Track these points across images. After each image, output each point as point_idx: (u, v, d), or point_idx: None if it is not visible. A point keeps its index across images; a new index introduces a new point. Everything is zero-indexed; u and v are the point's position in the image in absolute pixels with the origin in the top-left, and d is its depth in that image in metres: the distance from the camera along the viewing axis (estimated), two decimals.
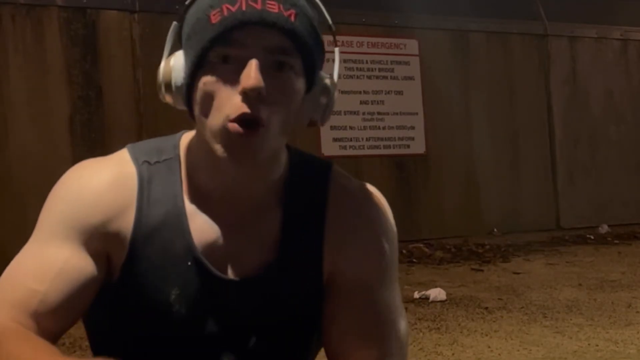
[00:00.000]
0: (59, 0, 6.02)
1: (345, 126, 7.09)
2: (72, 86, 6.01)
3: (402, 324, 1.19)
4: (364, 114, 7.23)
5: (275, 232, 1.16)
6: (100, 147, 5.90)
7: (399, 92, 7.41)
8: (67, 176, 1.17)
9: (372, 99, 7.29)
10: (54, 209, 1.14)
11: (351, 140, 7.14)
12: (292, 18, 1.05)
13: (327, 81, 1.15)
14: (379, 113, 7.29)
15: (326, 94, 1.14)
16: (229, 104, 1.04)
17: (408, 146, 7.42)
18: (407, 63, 7.45)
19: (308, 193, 1.18)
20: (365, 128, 7.22)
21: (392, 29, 7.38)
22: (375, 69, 7.30)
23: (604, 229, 7.90)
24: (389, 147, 7.32)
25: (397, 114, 7.38)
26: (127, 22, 6.24)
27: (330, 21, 1.15)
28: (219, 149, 1.06)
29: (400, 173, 7.34)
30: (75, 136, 5.97)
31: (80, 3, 6.08)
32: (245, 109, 1.03)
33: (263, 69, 1.03)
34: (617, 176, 8.41)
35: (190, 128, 1.22)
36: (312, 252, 1.17)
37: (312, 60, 1.10)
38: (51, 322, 1.08)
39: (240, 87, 1.03)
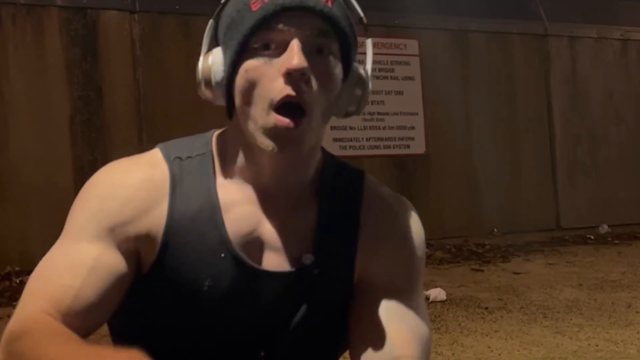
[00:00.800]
0: (59, 0, 6.02)
1: (345, 126, 7.09)
2: (72, 86, 6.00)
3: (427, 331, 1.20)
4: (364, 114, 7.21)
5: (310, 228, 1.17)
6: (101, 147, 5.90)
7: (399, 92, 7.41)
8: (98, 175, 1.18)
9: (372, 99, 7.26)
10: (85, 207, 1.15)
11: (351, 140, 7.14)
12: (329, 3, 1.07)
13: (362, 72, 1.16)
14: (379, 113, 7.29)
15: (361, 85, 1.16)
16: (273, 87, 1.05)
17: (408, 146, 7.42)
18: (407, 63, 7.45)
19: (343, 194, 1.20)
20: (365, 128, 7.22)
21: (393, 29, 7.38)
22: (375, 69, 7.22)
23: (604, 229, 7.90)
24: (389, 147, 7.32)
25: (397, 114, 7.38)
26: (127, 22, 6.24)
27: (361, 13, 1.17)
28: (264, 141, 1.07)
29: (400, 173, 7.34)
30: (75, 136, 5.97)
31: (80, 3, 6.08)
32: (289, 90, 1.04)
33: (305, 52, 1.04)
34: (617, 176, 8.41)
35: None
36: (345, 253, 1.18)
37: (349, 47, 1.11)
38: (83, 318, 1.08)
39: (283, 68, 1.04)
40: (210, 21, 1.15)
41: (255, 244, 1.15)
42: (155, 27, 6.29)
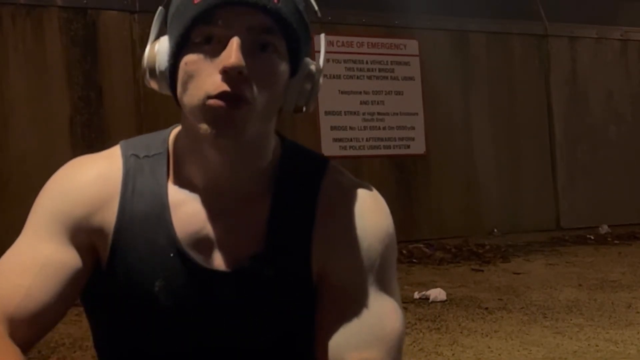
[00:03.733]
0: (59, 0, 6.02)
1: (346, 126, 7.09)
2: (72, 86, 6.00)
3: (395, 328, 1.14)
4: (364, 114, 7.22)
5: (262, 223, 1.13)
6: (101, 147, 5.82)
7: (399, 93, 7.41)
8: (56, 174, 1.19)
9: (372, 99, 7.29)
10: (41, 205, 1.16)
11: (351, 140, 7.14)
12: (276, 0, 1.04)
13: (313, 67, 1.13)
14: (379, 113, 7.29)
15: (310, 80, 1.12)
16: (209, 82, 1.03)
17: (408, 146, 7.42)
18: (407, 63, 7.45)
19: (300, 186, 1.16)
20: (365, 128, 7.22)
21: (392, 29, 7.38)
22: (375, 69, 7.30)
23: (604, 229, 7.90)
24: (389, 147, 7.32)
25: (397, 114, 7.38)
26: (127, 22, 6.24)
27: (316, 7, 1.13)
28: (202, 125, 1.05)
29: (400, 173, 7.34)
30: (76, 136, 5.97)
31: (80, 3, 6.08)
32: (225, 87, 1.02)
33: (246, 49, 1.02)
34: (617, 176, 8.41)
35: None
36: (300, 246, 1.13)
37: (297, 43, 1.08)
38: (37, 315, 1.08)
39: (220, 66, 1.02)
40: (160, 8, 1.13)
41: (205, 243, 1.12)
42: None
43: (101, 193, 1.14)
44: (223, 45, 1.03)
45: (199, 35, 1.04)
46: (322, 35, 1.17)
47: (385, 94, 7.34)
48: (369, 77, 7.27)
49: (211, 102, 1.03)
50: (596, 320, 3.86)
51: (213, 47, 1.04)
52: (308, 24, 1.10)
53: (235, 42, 1.02)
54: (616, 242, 7.25)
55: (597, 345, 3.35)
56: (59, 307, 1.10)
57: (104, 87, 6.11)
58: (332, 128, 6.98)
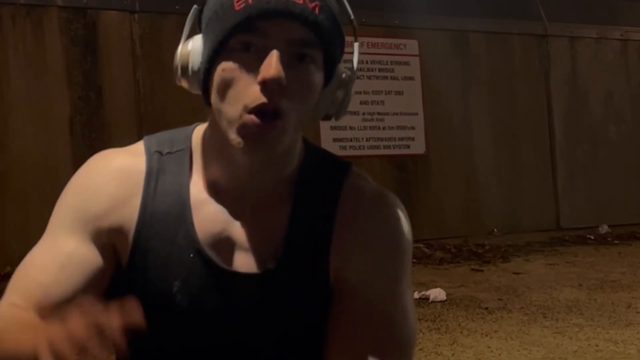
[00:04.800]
0: (59, 0, 6.02)
1: (345, 126, 7.09)
2: (72, 86, 6.01)
3: (408, 333, 1.14)
4: (364, 114, 7.23)
5: (283, 227, 1.13)
6: (100, 147, 5.82)
7: (399, 93, 7.41)
8: (80, 169, 1.19)
9: (372, 99, 7.29)
10: (63, 201, 1.16)
11: (351, 140, 7.14)
12: (317, 11, 1.03)
13: (345, 76, 1.13)
14: (379, 113, 7.29)
15: (343, 88, 1.13)
16: (248, 93, 1.02)
17: (408, 146, 7.42)
18: (407, 63, 7.45)
19: (320, 191, 1.16)
20: (365, 128, 7.22)
21: (392, 29, 7.38)
22: (375, 69, 7.30)
23: (604, 229, 7.90)
24: (389, 147, 7.32)
25: (397, 114, 7.38)
26: (127, 22, 6.24)
27: (352, 15, 1.13)
28: (235, 138, 1.04)
29: (400, 173, 7.34)
30: (75, 136, 5.97)
31: (80, 3, 6.08)
32: (263, 99, 1.02)
33: (284, 61, 1.01)
34: (617, 177, 8.41)
35: (193, 121, 1.21)
36: (318, 251, 1.14)
37: (333, 54, 1.08)
38: (55, 313, 1.06)
39: (260, 77, 1.01)
40: (194, 7, 1.13)
41: (225, 244, 1.12)
42: (155, 27, 6.29)
43: (123, 189, 1.13)
44: (261, 54, 1.02)
45: (238, 42, 1.04)
46: (356, 45, 1.16)
47: (385, 94, 7.34)
48: (369, 77, 7.27)
49: (248, 118, 1.03)
50: (596, 320, 3.86)
51: (251, 56, 1.03)
52: (342, 31, 1.09)
53: (275, 54, 1.01)
54: (616, 242, 7.25)
55: (597, 345, 3.35)
56: None
57: (104, 87, 6.11)
58: (332, 128, 6.98)
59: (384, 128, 7.31)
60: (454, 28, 7.67)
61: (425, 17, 7.43)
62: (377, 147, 7.25)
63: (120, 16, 6.23)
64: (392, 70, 7.39)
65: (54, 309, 1.07)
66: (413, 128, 7.44)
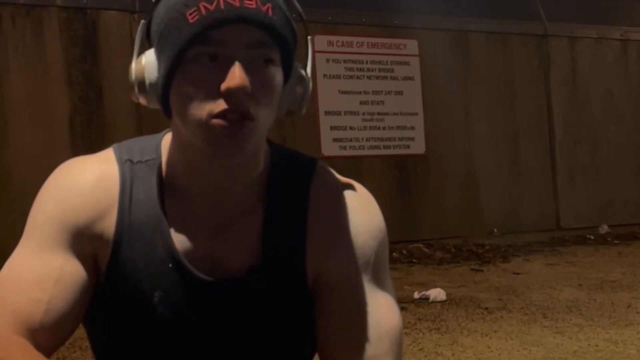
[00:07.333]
0: (59, 0, 6.02)
1: (345, 126, 7.09)
2: (72, 86, 6.01)
3: (395, 323, 1.16)
4: (364, 114, 7.23)
5: (257, 233, 1.14)
6: (100, 147, 5.81)
7: (399, 93, 7.41)
8: (53, 176, 1.17)
9: (372, 99, 7.29)
10: (44, 210, 1.14)
11: (351, 140, 7.14)
12: (270, 12, 1.04)
13: (302, 71, 1.14)
14: (379, 113, 7.29)
15: (302, 83, 1.14)
16: (212, 102, 1.03)
17: (408, 146, 7.42)
18: (407, 63, 7.45)
19: (290, 192, 1.16)
20: (365, 128, 7.22)
21: (392, 29, 7.38)
22: (375, 69, 7.30)
23: (604, 229, 7.90)
24: (389, 147, 7.32)
25: (397, 114, 7.38)
26: (127, 22, 6.24)
27: (300, 9, 1.14)
28: (202, 144, 1.05)
29: (400, 173, 7.34)
30: (75, 136, 5.97)
31: (80, 3, 6.08)
32: (228, 105, 1.02)
33: (246, 65, 1.02)
34: (617, 176, 8.41)
35: None
36: (294, 254, 1.15)
37: (289, 52, 1.09)
38: (56, 330, 1.08)
39: (224, 86, 1.01)
40: (142, 22, 1.15)
41: (203, 254, 1.13)
42: None
43: (101, 201, 1.13)
44: (221, 63, 1.03)
45: (196, 53, 1.03)
46: (309, 38, 1.16)
47: (385, 94, 7.34)
48: (369, 77, 7.27)
49: (214, 121, 1.03)
50: (596, 320, 3.86)
51: (211, 66, 1.03)
52: (295, 29, 1.10)
53: (237, 64, 1.01)
54: (616, 242, 7.25)
55: (597, 345, 3.35)
56: (77, 315, 1.11)
57: (104, 87, 6.11)
58: (332, 128, 6.98)
59: (384, 128, 7.31)
60: (454, 28, 7.67)
61: (426, 17, 7.43)
62: (377, 147, 7.25)
63: (120, 16, 6.23)
64: (392, 70, 7.38)
65: (56, 324, 1.08)
66: (413, 128, 7.44)
